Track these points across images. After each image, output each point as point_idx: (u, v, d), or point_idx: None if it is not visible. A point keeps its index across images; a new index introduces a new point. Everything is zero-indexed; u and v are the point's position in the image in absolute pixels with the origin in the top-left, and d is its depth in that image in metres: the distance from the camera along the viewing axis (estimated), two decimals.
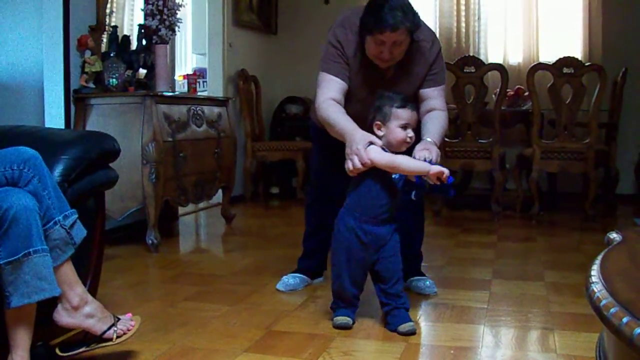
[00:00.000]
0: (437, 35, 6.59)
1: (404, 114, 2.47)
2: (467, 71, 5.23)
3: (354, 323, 2.55)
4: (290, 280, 3.13)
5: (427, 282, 3.08)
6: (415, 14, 2.59)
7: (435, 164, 2.41)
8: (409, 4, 2.60)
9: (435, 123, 2.69)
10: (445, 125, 2.75)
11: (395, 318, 2.50)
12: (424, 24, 2.79)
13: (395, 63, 2.71)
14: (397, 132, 2.46)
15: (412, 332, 2.45)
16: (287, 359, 2.23)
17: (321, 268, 3.25)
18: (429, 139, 2.56)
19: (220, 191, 4.91)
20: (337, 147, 2.59)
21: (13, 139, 2.28)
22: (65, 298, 2.01)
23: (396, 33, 2.53)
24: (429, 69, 2.78)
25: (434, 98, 2.78)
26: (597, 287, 1.05)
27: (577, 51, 6.23)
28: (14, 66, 4.30)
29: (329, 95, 2.70)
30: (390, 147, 2.46)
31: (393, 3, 2.53)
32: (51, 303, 2.11)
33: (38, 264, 1.85)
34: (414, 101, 2.63)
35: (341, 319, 2.53)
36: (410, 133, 2.47)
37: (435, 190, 2.46)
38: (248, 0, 6.41)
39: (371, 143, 2.41)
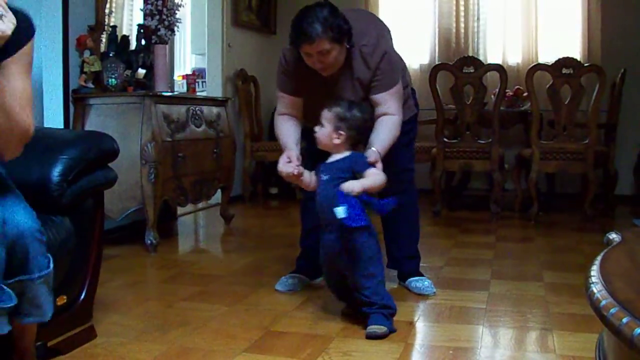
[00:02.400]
0: (436, 35, 6.70)
1: (322, 115, 2.57)
2: (466, 71, 5.22)
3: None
4: (288, 280, 3.13)
5: (426, 283, 3.09)
6: (339, 23, 2.59)
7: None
8: (333, 13, 2.59)
9: (384, 129, 2.68)
10: (395, 130, 2.71)
11: (370, 319, 2.50)
12: (377, 27, 2.83)
13: (336, 70, 2.73)
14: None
15: (374, 336, 2.43)
16: (286, 359, 2.23)
17: (319, 269, 3.23)
18: (373, 148, 2.58)
19: (219, 191, 4.90)
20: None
21: None
22: None
23: (315, 44, 2.57)
24: (374, 74, 2.75)
25: (384, 103, 2.74)
26: (597, 287, 1.05)
27: (576, 52, 6.23)
28: None
29: (280, 110, 2.93)
30: None
31: (312, 16, 2.56)
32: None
33: None
34: (358, 104, 2.62)
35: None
36: (316, 128, 2.57)
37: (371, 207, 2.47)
38: (247, 0, 6.41)
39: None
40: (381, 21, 3.02)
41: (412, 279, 3.12)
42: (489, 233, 4.73)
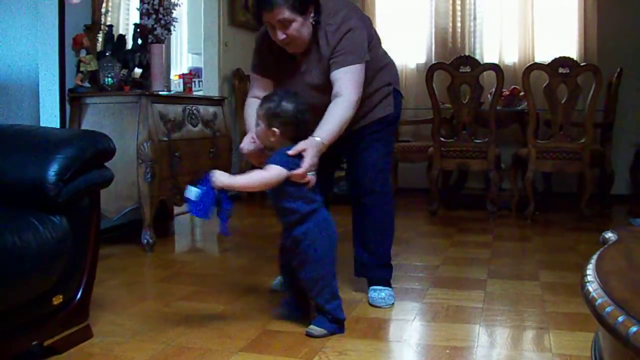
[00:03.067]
0: (433, 35, 6.71)
1: (257, 112, 2.50)
2: (462, 71, 5.23)
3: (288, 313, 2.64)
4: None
5: (382, 294, 2.89)
6: None
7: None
8: None
9: (329, 115, 2.55)
10: (343, 113, 2.57)
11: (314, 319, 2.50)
12: (349, 10, 2.73)
13: (302, 48, 2.69)
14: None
15: (312, 334, 2.43)
16: (283, 359, 2.23)
17: None
18: (317, 138, 2.44)
19: None
20: None
21: (8, 138, 2.28)
22: None
23: (274, 12, 2.54)
24: (332, 51, 2.66)
25: (338, 81, 2.62)
26: (593, 286, 1.05)
27: (572, 51, 6.24)
28: (9, 65, 4.29)
29: (251, 93, 2.87)
30: None
31: None
32: (48, 301, 2.11)
33: None
34: (292, 95, 2.52)
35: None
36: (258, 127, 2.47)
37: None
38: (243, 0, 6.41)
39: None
40: (359, 9, 2.91)
41: (371, 287, 2.95)
42: (486, 232, 4.73)
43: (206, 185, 2.27)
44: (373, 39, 2.85)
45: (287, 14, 2.54)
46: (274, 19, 2.56)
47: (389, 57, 3.03)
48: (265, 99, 2.48)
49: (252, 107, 2.74)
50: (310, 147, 2.38)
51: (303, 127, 2.44)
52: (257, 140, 2.57)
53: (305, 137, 2.42)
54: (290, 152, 2.36)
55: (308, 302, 2.62)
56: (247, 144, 2.63)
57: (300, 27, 2.59)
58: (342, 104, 2.58)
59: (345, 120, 2.58)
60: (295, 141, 2.41)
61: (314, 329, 2.44)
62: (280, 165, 2.34)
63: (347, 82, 2.62)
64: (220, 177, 2.28)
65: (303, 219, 2.43)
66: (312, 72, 2.73)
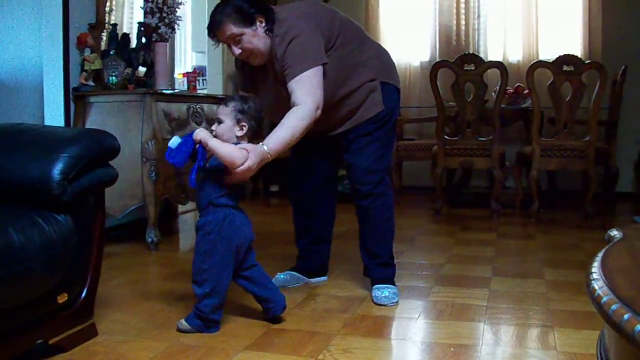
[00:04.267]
0: (437, 33, 6.70)
1: (219, 112, 2.52)
2: (467, 69, 5.22)
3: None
4: (281, 276, 3.14)
5: (386, 292, 2.88)
6: (242, 6, 2.61)
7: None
8: (239, 1, 2.63)
9: (282, 125, 2.55)
10: (297, 124, 2.54)
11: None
12: (299, 15, 2.71)
13: (264, 60, 2.72)
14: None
15: (178, 328, 2.48)
16: (287, 357, 2.22)
17: (321, 269, 3.23)
18: (265, 147, 2.46)
19: None
20: (305, 147, 2.76)
21: (13, 137, 2.28)
22: None
23: (222, 30, 2.64)
24: (282, 64, 2.66)
25: (293, 93, 2.60)
26: (599, 284, 1.05)
27: (577, 49, 6.23)
28: (14, 64, 4.29)
29: None
30: None
31: (221, 5, 2.65)
32: (53, 299, 2.12)
33: None
34: (251, 98, 2.57)
35: None
36: (213, 127, 2.49)
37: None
38: None
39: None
40: (319, 9, 2.84)
41: (375, 286, 2.95)
42: (490, 231, 4.73)
43: (189, 137, 2.40)
44: (337, 37, 2.77)
45: (234, 29, 2.62)
46: (224, 37, 2.64)
47: (376, 50, 2.96)
48: (225, 101, 2.52)
49: None
50: (253, 152, 2.39)
51: (260, 128, 2.53)
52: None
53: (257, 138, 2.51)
54: (238, 148, 2.40)
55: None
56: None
57: (251, 39, 2.64)
58: (296, 114, 2.57)
59: (299, 130, 2.55)
60: (250, 141, 2.49)
61: (181, 323, 2.49)
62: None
63: (299, 92, 2.60)
64: (201, 133, 2.39)
65: (209, 212, 2.47)
66: (279, 82, 2.73)
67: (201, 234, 2.47)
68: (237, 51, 2.67)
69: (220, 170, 2.43)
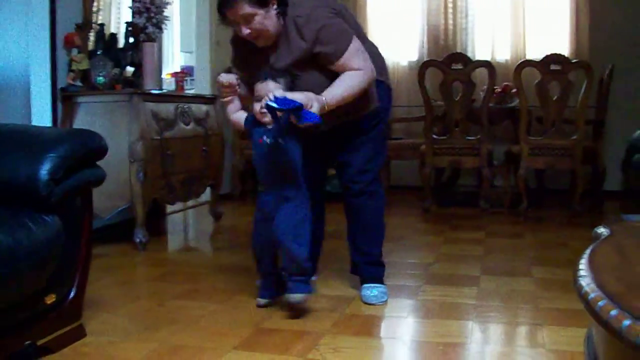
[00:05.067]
0: (425, 32, 6.71)
1: (257, 88, 2.62)
2: (454, 68, 5.23)
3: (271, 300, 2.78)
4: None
5: (375, 291, 2.89)
6: None
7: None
8: None
9: (338, 81, 2.64)
10: (352, 80, 2.64)
11: (290, 287, 2.65)
12: (315, 4, 2.70)
13: (270, 41, 2.69)
14: (254, 107, 2.64)
15: (298, 302, 2.62)
16: (277, 356, 2.22)
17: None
18: (323, 98, 2.56)
19: (208, 189, 4.89)
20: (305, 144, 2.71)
21: (0, 138, 2.27)
22: None
23: (235, 9, 2.56)
24: (313, 47, 2.63)
25: (346, 68, 2.65)
26: (586, 280, 1.05)
27: (564, 48, 6.25)
28: (0, 64, 4.27)
29: None
30: None
31: None
32: (41, 300, 2.11)
33: None
34: (284, 74, 2.64)
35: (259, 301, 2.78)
36: (262, 104, 2.55)
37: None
38: None
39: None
40: None
41: (364, 285, 2.95)
42: (479, 229, 4.74)
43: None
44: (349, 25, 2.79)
45: (247, 8, 2.56)
46: (237, 15, 2.58)
47: (372, 46, 2.97)
48: (270, 76, 2.61)
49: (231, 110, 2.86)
50: (315, 98, 2.52)
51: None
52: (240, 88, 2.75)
53: None
54: (292, 95, 2.50)
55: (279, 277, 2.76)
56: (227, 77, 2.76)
57: (263, 19, 2.59)
58: (354, 76, 2.65)
59: (355, 90, 2.64)
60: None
61: (293, 297, 2.62)
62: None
63: (354, 63, 2.65)
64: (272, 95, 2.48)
65: (291, 184, 2.62)
66: (280, 63, 2.70)
67: (293, 205, 2.62)
68: (246, 31, 2.61)
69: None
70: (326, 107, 2.55)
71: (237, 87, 2.77)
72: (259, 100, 2.59)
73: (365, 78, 2.66)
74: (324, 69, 2.68)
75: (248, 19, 2.58)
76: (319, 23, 2.62)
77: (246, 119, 2.72)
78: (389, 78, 3.06)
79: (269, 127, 2.56)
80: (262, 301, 2.78)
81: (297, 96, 2.48)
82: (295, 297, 2.62)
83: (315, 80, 2.69)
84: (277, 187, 2.64)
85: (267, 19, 2.60)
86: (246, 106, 2.84)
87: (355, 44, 2.67)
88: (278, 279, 2.78)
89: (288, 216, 2.61)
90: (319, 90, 2.61)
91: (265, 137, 2.57)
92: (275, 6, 2.62)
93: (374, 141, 2.92)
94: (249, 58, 2.83)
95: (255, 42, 2.68)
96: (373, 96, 2.86)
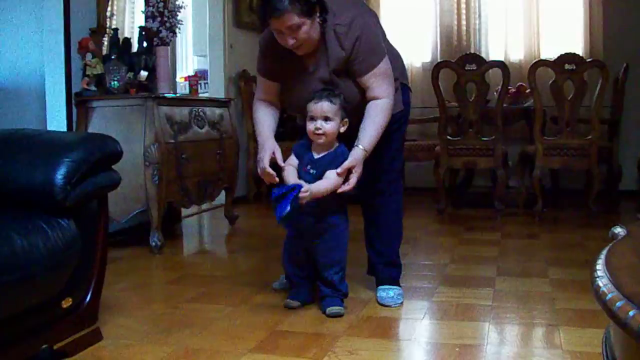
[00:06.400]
0: (438, 33, 6.70)
1: (311, 107, 2.61)
2: (468, 69, 5.21)
3: (302, 304, 2.81)
4: (284, 279, 3.13)
5: (390, 293, 2.89)
6: None
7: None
8: None
9: (370, 120, 2.66)
10: (382, 117, 2.67)
11: (326, 302, 2.72)
12: (354, 8, 2.70)
13: (311, 49, 2.66)
14: (307, 125, 2.63)
15: (339, 314, 2.66)
16: (293, 359, 2.22)
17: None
18: (360, 147, 2.62)
19: (223, 192, 4.90)
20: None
21: (15, 143, 2.29)
22: None
23: (283, 18, 2.49)
24: (350, 56, 2.64)
25: (370, 85, 2.66)
26: (603, 281, 1.04)
27: (578, 47, 6.22)
28: (15, 70, 4.30)
29: (259, 96, 2.90)
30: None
31: None
32: (57, 304, 2.12)
33: None
34: (338, 95, 2.64)
35: (290, 302, 2.80)
36: (317, 124, 2.59)
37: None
38: (248, 1, 6.41)
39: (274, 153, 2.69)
40: (364, 5, 2.92)
41: (379, 287, 2.96)
42: (494, 230, 4.72)
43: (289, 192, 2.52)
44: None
45: (296, 19, 2.50)
46: (284, 26, 2.52)
47: (395, 50, 2.98)
48: (326, 97, 2.60)
49: (262, 111, 2.85)
50: (358, 165, 2.60)
51: None
52: (277, 157, 2.70)
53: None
54: (339, 172, 2.57)
55: (314, 287, 2.84)
56: (268, 161, 2.71)
57: (309, 29, 2.55)
58: (380, 107, 2.68)
59: (385, 123, 2.68)
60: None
61: (330, 310, 2.67)
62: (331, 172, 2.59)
63: (378, 84, 2.68)
64: (306, 194, 2.51)
65: (337, 211, 2.72)
66: (321, 71, 2.70)
67: (335, 231, 2.72)
68: (292, 41, 2.56)
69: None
70: (367, 154, 2.63)
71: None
72: (314, 119, 2.60)
73: (390, 108, 2.70)
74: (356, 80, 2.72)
75: (295, 29, 2.53)
76: (358, 29, 2.63)
77: (296, 145, 2.75)
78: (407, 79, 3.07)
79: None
80: (294, 303, 2.78)
81: (330, 185, 2.58)
82: (333, 310, 2.67)
83: (351, 90, 2.71)
84: (322, 213, 2.68)
85: (312, 29, 2.58)
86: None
87: (386, 65, 2.70)
88: (312, 285, 2.84)
89: (331, 247, 2.74)
90: (354, 100, 2.67)
91: (309, 167, 2.64)
92: (317, 13, 2.60)
93: (396, 143, 2.96)
94: (278, 66, 2.79)
95: (296, 51, 2.64)
96: (398, 100, 2.87)
